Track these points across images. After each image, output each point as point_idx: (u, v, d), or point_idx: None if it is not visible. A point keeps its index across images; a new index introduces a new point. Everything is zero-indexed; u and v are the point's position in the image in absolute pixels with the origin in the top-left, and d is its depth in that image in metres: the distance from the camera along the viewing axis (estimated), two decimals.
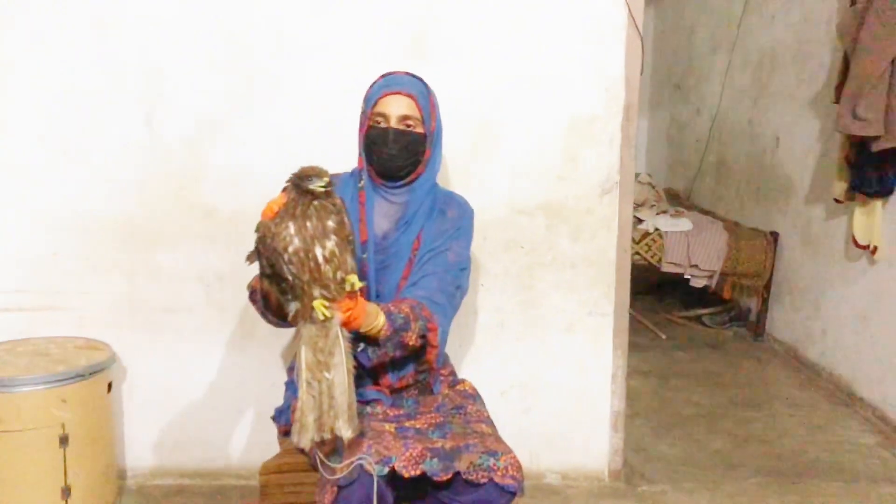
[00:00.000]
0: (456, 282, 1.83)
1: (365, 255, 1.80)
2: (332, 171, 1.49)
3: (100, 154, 2.41)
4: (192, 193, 2.45)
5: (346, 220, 1.49)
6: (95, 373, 2.25)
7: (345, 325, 1.50)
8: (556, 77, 2.43)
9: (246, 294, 1.78)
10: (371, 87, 1.86)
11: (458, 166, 2.43)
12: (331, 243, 1.45)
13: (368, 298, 1.75)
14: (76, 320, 2.47)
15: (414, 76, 1.87)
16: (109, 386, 2.36)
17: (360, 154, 1.87)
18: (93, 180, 2.43)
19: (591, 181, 2.49)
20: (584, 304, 2.56)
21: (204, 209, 2.45)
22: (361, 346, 1.65)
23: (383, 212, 1.86)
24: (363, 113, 1.85)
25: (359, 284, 1.49)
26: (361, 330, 1.56)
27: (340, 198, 1.52)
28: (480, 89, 2.42)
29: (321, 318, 1.46)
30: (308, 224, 1.43)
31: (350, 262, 1.49)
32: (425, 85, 1.87)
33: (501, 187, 2.48)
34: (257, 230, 1.47)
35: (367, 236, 1.82)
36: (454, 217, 1.89)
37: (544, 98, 2.44)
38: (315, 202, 1.45)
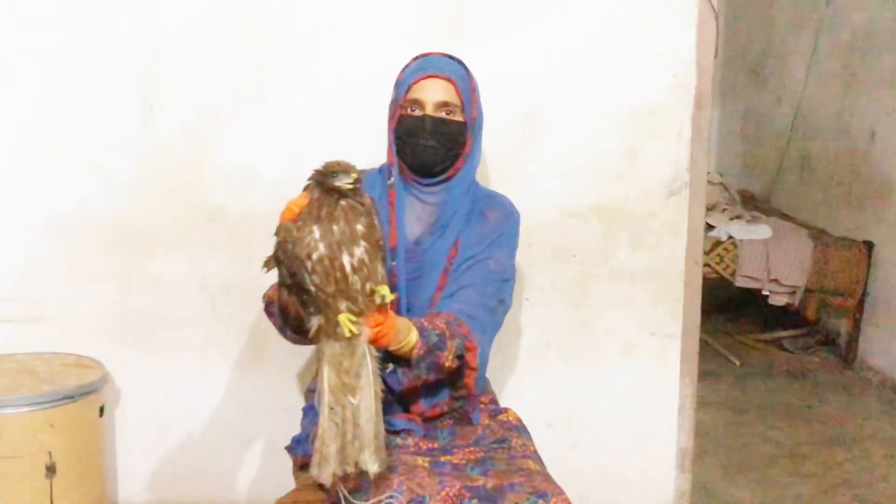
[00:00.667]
0: (498, 295, 1.84)
1: (394, 263, 1.82)
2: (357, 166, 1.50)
3: (90, 147, 2.45)
4: (194, 192, 2.48)
5: (376, 222, 1.50)
6: (86, 394, 2.29)
7: (373, 342, 1.51)
8: (613, 61, 2.43)
9: (258, 306, 1.80)
10: (403, 70, 1.88)
11: (498, 162, 2.44)
12: (359, 250, 1.46)
13: (398, 313, 1.75)
14: (64, 334, 2.51)
15: (452, 58, 1.89)
16: (101, 409, 2.40)
17: (389, 147, 1.89)
18: (82, 176, 2.46)
19: (655, 180, 2.48)
20: (646, 323, 2.55)
21: (208, 210, 2.49)
22: (391, 367, 1.66)
23: (416, 214, 1.88)
24: (394, 100, 1.87)
25: (390, 297, 1.49)
26: (391, 348, 1.57)
27: (370, 197, 1.53)
28: (525, 75, 2.43)
29: (347, 334, 1.46)
30: (334, 228, 1.44)
31: (380, 271, 1.50)
32: (465, 68, 1.89)
33: (549, 186, 2.48)
34: (277, 234, 1.48)
35: (396, 242, 1.83)
36: (496, 220, 1.90)
37: (600, 85, 2.44)
38: (342, 202, 1.46)
